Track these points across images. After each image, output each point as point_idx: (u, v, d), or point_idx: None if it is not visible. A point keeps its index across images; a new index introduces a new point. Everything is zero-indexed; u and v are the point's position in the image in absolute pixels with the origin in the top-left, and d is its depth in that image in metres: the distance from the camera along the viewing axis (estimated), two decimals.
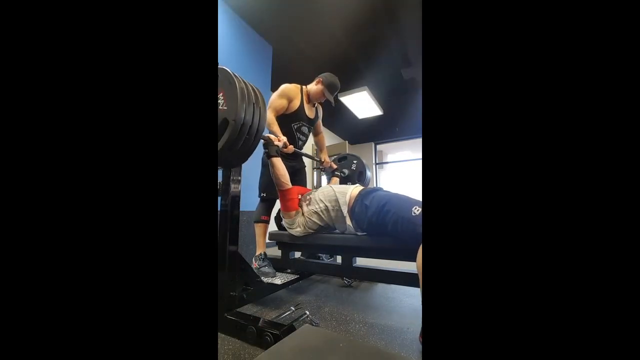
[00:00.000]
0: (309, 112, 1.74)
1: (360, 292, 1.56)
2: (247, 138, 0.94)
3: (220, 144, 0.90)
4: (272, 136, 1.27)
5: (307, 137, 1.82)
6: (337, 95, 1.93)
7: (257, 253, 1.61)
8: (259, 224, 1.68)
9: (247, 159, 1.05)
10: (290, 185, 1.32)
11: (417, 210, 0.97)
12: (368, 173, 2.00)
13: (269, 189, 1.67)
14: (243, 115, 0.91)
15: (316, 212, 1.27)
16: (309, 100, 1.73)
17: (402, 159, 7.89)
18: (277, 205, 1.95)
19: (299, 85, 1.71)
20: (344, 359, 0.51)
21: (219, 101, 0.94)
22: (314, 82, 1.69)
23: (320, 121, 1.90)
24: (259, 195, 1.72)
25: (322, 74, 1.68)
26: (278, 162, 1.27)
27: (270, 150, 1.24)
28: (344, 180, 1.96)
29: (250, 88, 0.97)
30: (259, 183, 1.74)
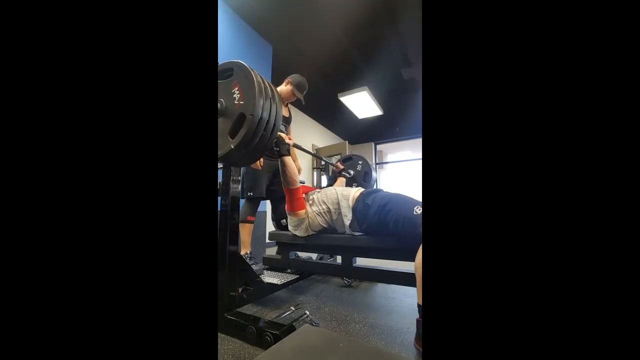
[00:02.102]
0: (284, 111, 1.86)
1: (360, 292, 1.56)
2: (264, 134, 0.89)
3: (235, 141, 0.85)
4: (283, 135, 1.27)
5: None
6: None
7: (242, 252, 1.62)
8: (245, 224, 1.72)
9: (259, 158, 1.00)
10: (299, 184, 1.31)
11: (419, 210, 0.97)
12: (374, 173, 2.02)
13: (255, 189, 1.72)
14: (261, 110, 0.86)
15: (320, 214, 1.28)
16: (281, 101, 1.83)
17: (402, 159, 7.89)
18: (270, 204, 1.95)
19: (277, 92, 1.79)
20: (344, 359, 0.51)
21: (235, 96, 0.89)
22: (284, 84, 1.84)
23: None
24: (244, 196, 1.75)
25: (291, 75, 1.83)
26: (289, 160, 1.26)
27: (282, 148, 1.23)
28: (349, 181, 1.97)
29: (267, 83, 0.93)
30: (243, 182, 1.76)
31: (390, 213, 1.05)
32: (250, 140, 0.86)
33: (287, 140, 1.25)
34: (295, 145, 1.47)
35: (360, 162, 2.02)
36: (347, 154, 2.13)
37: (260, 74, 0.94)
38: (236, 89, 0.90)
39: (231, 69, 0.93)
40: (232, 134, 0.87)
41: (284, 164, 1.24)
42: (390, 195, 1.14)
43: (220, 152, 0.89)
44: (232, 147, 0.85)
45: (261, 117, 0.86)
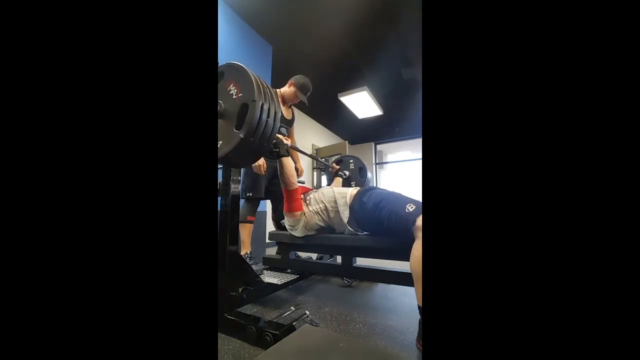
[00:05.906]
0: (286, 113, 1.84)
1: (360, 292, 1.56)
2: (268, 121, 0.92)
3: (244, 130, 0.86)
4: (280, 136, 1.27)
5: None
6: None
7: (243, 253, 1.62)
8: (245, 224, 1.71)
9: (267, 151, 1.00)
10: (297, 185, 1.32)
11: (411, 208, 0.98)
12: (368, 172, 2.06)
13: (255, 189, 1.72)
14: (262, 96, 0.88)
15: (317, 213, 1.28)
16: (284, 102, 1.84)
17: (402, 159, 7.89)
18: (269, 204, 1.96)
19: (273, 89, 1.78)
20: (344, 359, 0.51)
21: (232, 92, 0.93)
22: (287, 85, 1.79)
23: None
24: (244, 196, 1.75)
25: (294, 77, 1.79)
26: (288, 161, 1.28)
27: (281, 149, 1.24)
28: (346, 181, 2.02)
29: (259, 79, 0.96)
30: (243, 183, 1.76)
31: (384, 210, 1.06)
32: (257, 127, 0.88)
33: (285, 141, 1.27)
34: (293, 147, 1.47)
35: (351, 161, 2.09)
36: (344, 154, 2.18)
37: (260, 74, 0.96)
38: (232, 85, 0.93)
39: (222, 72, 0.97)
40: (239, 127, 0.90)
41: (282, 165, 1.26)
42: (385, 193, 1.15)
43: (227, 148, 0.89)
44: (242, 136, 0.86)
45: (263, 103, 0.88)
